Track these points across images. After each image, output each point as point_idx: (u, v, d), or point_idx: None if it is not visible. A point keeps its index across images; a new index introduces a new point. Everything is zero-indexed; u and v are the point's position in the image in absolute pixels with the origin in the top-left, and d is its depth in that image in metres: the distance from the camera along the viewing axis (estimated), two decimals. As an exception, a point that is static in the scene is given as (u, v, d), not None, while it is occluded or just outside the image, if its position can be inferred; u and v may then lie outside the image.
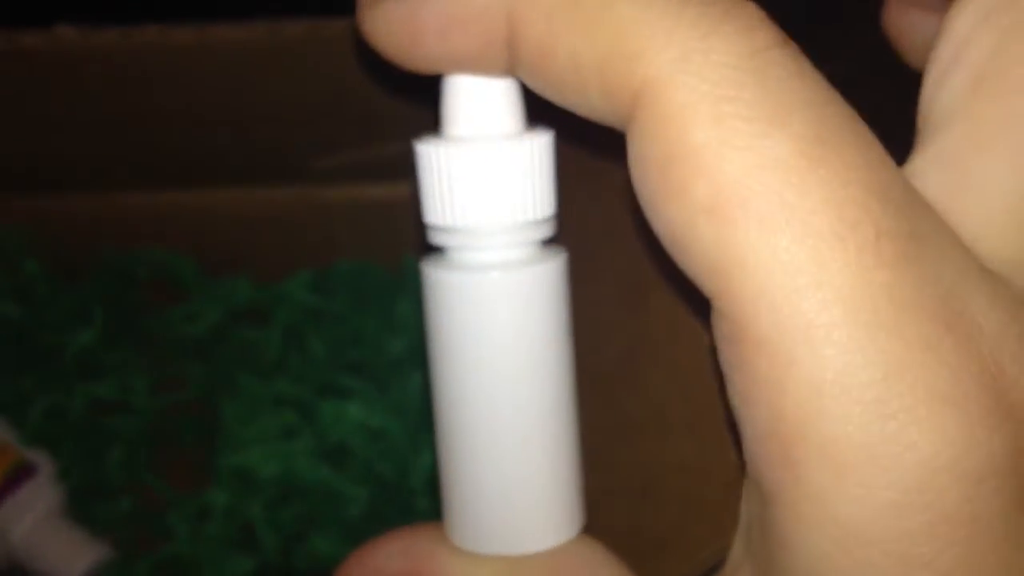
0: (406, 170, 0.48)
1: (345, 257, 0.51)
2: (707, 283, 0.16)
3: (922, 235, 0.16)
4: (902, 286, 0.15)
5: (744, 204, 0.15)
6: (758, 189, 0.15)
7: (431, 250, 0.20)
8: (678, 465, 0.32)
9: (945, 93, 0.18)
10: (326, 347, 0.49)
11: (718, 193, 0.16)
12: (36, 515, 0.45)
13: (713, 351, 0.18)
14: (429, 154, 0.19)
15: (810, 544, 0.16)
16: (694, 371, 0.31)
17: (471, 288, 0.19)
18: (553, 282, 0.20)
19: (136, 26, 0.38)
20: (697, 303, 0.17)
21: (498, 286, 0.19)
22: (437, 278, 0.19)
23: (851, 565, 0.15)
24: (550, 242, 0.20)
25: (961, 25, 0.18)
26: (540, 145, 0.19)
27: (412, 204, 0.21)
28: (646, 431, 0.35)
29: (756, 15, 0.16)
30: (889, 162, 0.16)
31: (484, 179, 0.19)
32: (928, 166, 0.18)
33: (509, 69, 0.18)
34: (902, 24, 0.24)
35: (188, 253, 0.50)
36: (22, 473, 0.46)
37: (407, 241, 0.49)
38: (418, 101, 0.42)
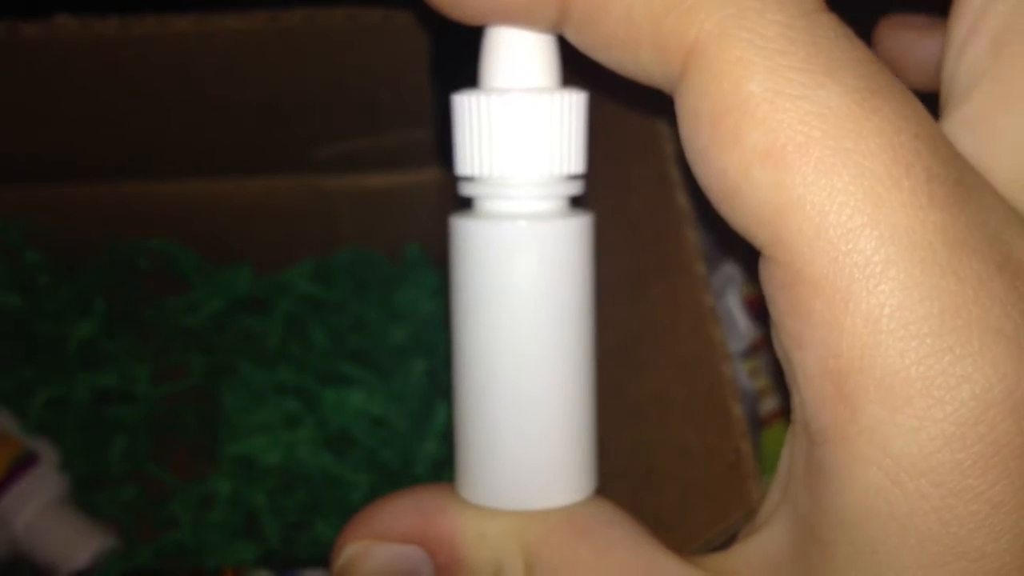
0: (407, 159, 0.48)
1: (347, 246, 0.51)
2: (761, 230, 0.17)
3: (968, 182, 0.17)
4: (955, 226, 0.16)
5: (801, 148, 0.16)
6: (814, 134, 0.16)
7: (461, 205, 0.21)
8: (679, 449, 0.32)
9: (966, 61, 0.18)
10: (328, 335, 0.49)
11: (774, 139, 0.16)
12: (39, 505, 0.45)
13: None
14: (465, 104, 0.19)
15: (863, 478, 0.16)
16: (695, 356, 0.31)
17: (498, 236, 0.19)
18: (579, 238, 0.20)
19: (136, 16, 0.38)
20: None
21: (526, 235, 0.19)
22: (465, 227, 0.20)
23: (903, 497, 0.16)
24: (578, 202, 0.21)
25: None
26: (576, 101, 0.20)
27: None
28: (647, 416, 0.35)
29: None
30: (930, 116, 0.17)
31: (518, 129, 0.19)
32: (956, 130, 0.18)
33: (555, 24, 0.19)
34: (897, 46, 0.24)
35: (189, 243, 0.50)
36: (25, 463, 0.46)
37: (409, 230, 0.49)
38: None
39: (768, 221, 0.17)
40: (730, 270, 0.40)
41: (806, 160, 0.16)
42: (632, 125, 0.35)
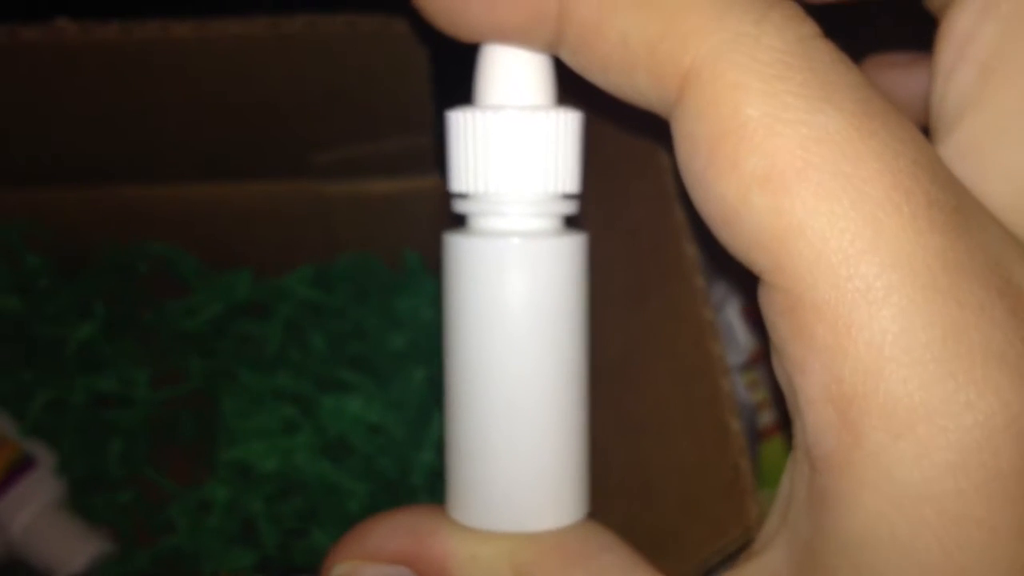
0: (407, 165, 0.48)
1: (346, 252, 0.51)
2: (761, 256, 0.17)
3: (966, 208, 0.17)
4: (955, 251, 0.16)
5: (800, 173, 0.16)
6: (813, 159, 0.16)
7: (455, 222, 0.21)
8: (677, 465, 0.32)
9: (954, 88, 0.18)
10: (326, 341, 0.49)
11: (773, 164, 0.16)
12: (36, 508, 0.45)
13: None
14: (460, 120, 0.19)
15: (866, 504, 0.16)
16: (693, 371, 0.31)
17: (491, 253, 0.19)
18: (573, 257, 0.20)
19: (136, 20, 0.38)
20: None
21: (518, 253, 0.19)
22: (458, 244, 0.20)
23: (905, 523, 0.16)
24: (572, 222, 0.21)
25: (962, 23, 0.18)
26: (571, 120, 0.20)
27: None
28: (645, 431, 0.35)
29: (799, 7, 0.17)
30: (927, 142, 0.17)
31: (512, 146, 0.19)
32: (949, 158, 0.18)
33: (551, 45, 0.19)
34: (883, 85, 0.24)
35: (189, 247, 0.50)
36: (22, 466, 0.46)
37: (408, 236, 0.49)
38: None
39: (768, 246, 0.17)
40: (730, 282, 0.40)
41: (805, 185, 0.16)
42: (630, 138, 0.35)
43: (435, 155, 0.46)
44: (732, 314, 0.39)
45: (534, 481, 0.20)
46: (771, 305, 0.17)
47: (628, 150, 0.35)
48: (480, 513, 0.20)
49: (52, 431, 0.47)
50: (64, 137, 0.44)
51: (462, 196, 0.20)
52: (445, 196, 0.48)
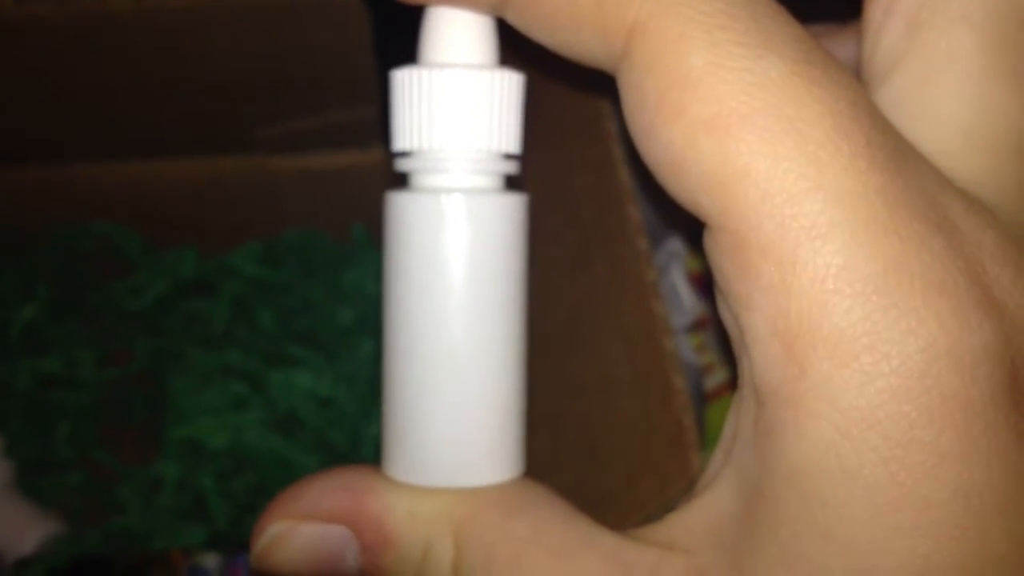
0: (352, 137, 0.48)
1: (293, 226, 0.51)
2: (707, 199, 0.17)
3: (903, 149, 0.17)
4: (894, 189, 0.16)
5: (744, 118, 0.16)
6: (756, 104, 0.16)
7: (398, 182, 0.21)
8: (623, 423, 0.33)
9: (884, 44, 0.19)
10: (274, 317, 0.49)
11: (718, 110, 0.17)
12: (-16, 490, 0.45)
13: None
14: (404, 78, 0.20)
15: (813, 433, 0.16)
16: (637, 331, 0.32)
17: (433, 209, 0.19)
18: (514, 216, 0.20)
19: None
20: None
21: (460, 208, 0.19)
22: (400, 200, 0.20)
23: (852, 450, 0.16)
24: (513, 183, 0.21)
25: None
26: (513, 80, 0.20)
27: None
28: (592, 392, 0.35)
29: None
30: (864, 89, 0.18)
31: (455, 103, 0.19)
32: (881, 108, 0.19)
33: (496, 7, 0.19)
34: None
35: (134, 225, 0.50)
36: (-32, 449, 0.46)
37: (355, 209, 0.49)
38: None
39: (714, 189, 0.17)
40: (674, 246, 0.40)
41: (750, 129, 0.16)
42: (575, 105, 0.35)
43: (380, 126, 0.46)
44: (677, 277, 0.40)
45: (472, 436, 0.20)
46: (717, 248, 0.18)
47: (572, 116, 0.36)
48: (417, 469, 0.20)
49: (-2, 414, 0.47)
50: (5, 116, 0.44)
51: (405, 154, 0.20)
52: (390, 168, 0.47)
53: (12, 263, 0.50)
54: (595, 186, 0.35)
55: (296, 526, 0.20)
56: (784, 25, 0.17)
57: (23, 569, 0.44)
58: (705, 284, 0.40)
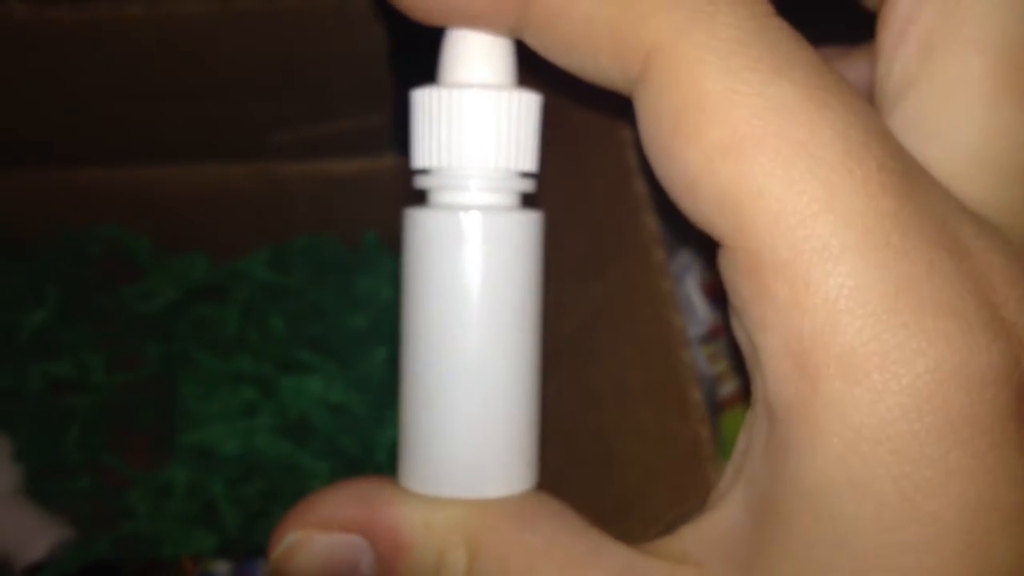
0: (364, 145, 0.48)
1: (303, 233, 0.51)
2: (722, 221, 0.18)
3: (913, 173, 0.18)
4: (905, 212, 0.17)
5: (759, 141, 0.17)
6: (770, 128, 0.17)
7: (416, 198, 0.21)
8: (638, 434, 0.33)
9: (897, 67, 0.19)
10: (286, 323, 0.49)
11: (733, 133, 0.17)
12: (-7, 496, 0.45)
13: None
14: (424, 98, 0.20)
15: (824, 449, 0.17)
16: (653, 342, 0.32)
17: (451, 225, 0.20)
18: (530, 233, 0.21)
19: (88, 1, 0.37)
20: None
21: (478, 225, 0.20)
22: (419, 217, 0.20)
23: (862, 466, 0.16)
24: (529, 200, 0.21)
25: (902, 7, 0.19)
26: (531, 100, 0.20)
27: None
28: (607, 402, 0.35)
29: None
30: (876, 112, 0.18)
31: (475, 122, 0.20)
32: (894, 131, 0.19)
33: (514, 29, 0.20)
34: None
35: (144, 230, 0.50)
36: (-22, 454, 0.46)
37: (366, 216, 0.49)
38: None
39: (729, 211, 0.17)
40: (689, 256, 0.41)
41: (764, 152, 0.17)
42: (590, 114, 0.35)
43: (393, 134, 0.46)
44: (691, 287, 0.40)
45: (486, 449, 0.21)
46: (732, 268, 0.18)
47: (588, 125, 0.36)
48: (433, 480, 0.21)
49: (7, 418, 0.47)
50: (15, 120, 0.44)
51: (424, 172, 0.21)
52: (402, 175, 0.47)
53: (22, 266, 0.50)
54: (611, 195, 0.35)
55: (312, 535, 0.21)
56: (797, 50, 0.18)
57: (33, 574, 0.44)
58: (718, 294, 0.41)
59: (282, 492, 0.45)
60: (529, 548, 0.20)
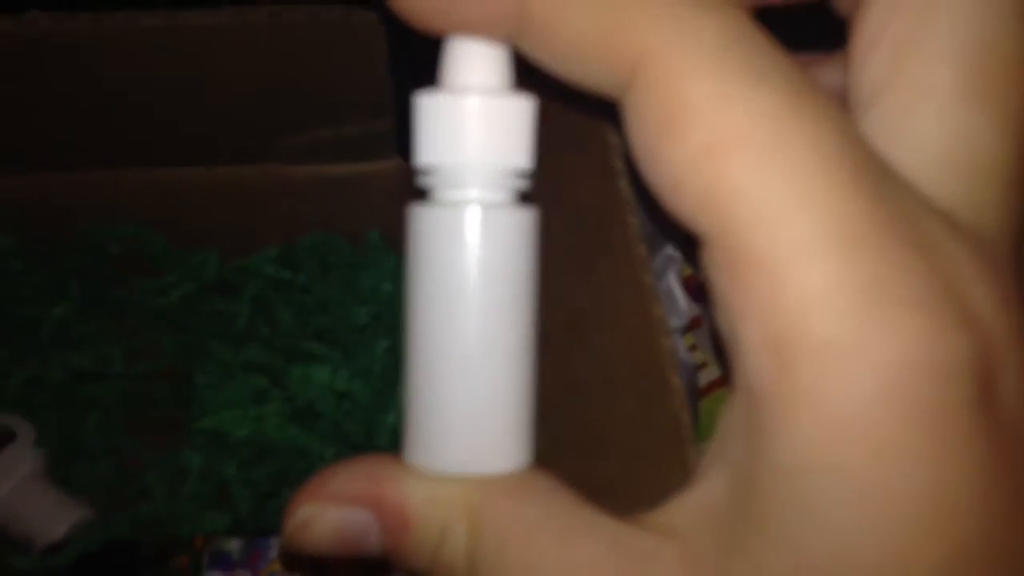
0: (367, 149, 0.49)
1: (309, 233, 0.52)
2: (704, 218, 0.18)
3: (885, 175, 0.18)
4: (877, 212, 0.17)
5: (740, 144, 0.18)
6: (752, 132, 0.18)
7: (419, 196, 0.22)
8: (623, 419, 0.34)
9: (869, 73, 0.20)
10: (293, 316, 0.50)
11: (716, 136, 0.18)
12: (17, 478, 0.46)
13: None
14: (427, 102, 0.21)
15: (799, 433, 0.17)
16: (637, 332, 0.33)
17: (453, 221, 0.21)
18: (527, 228, 0.22)
19: (107, 12, 0.38)
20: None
21: (478, 220, 0.21)
22: (422, 214, 0.21)
23: (835, 450, 0.17)
24: (526, 198, 0.22)
25: (874, 15, 0.20)
26: (527, 103, 0.21)
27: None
28: (593, 389, 0.36)
29: (733, 3, 0.19)
30: (848, 116, 0.19)
31: (474, 124, 0.21)
32: (865, 135, 0.20)
33: (510, 37, 0.20)
34: None
35: (158, 229, 0.51)
36: (2, 439, 0.47)
37: (369, 217, 0.50)
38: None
39: (711, 209, 0.18)
40: (670, 252, 0.42)
41: (745, 155, 0.18)
42: (577, 118, 0.36)
43: (395, 138, 0.47)
44: (673, 281, 0.42)
45: (485, 429, 0.22)
46: (713, 263, 0.19)
47: (575, 130, 0.37)
48: (436, 457, 0.22)
49: (32, 406, 0.48)
50: (35, 125, 0.45)
51: (426, 171, 0.22)
52: (403, 177, 0.48)
53: (44, 264, 0.51)
54: (597, 195, 0.36)
55: (323, 509, 0.22)
56: (777, 59, 0.18)
57: (55, 553, 0.45)
58: (697, 288, 0.42)
59: (291, 474, 0.46)
60: (527, 521, 0.20)
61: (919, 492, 0.17)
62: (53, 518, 0.46)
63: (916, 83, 0.19)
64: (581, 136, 0.37)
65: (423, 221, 0.21)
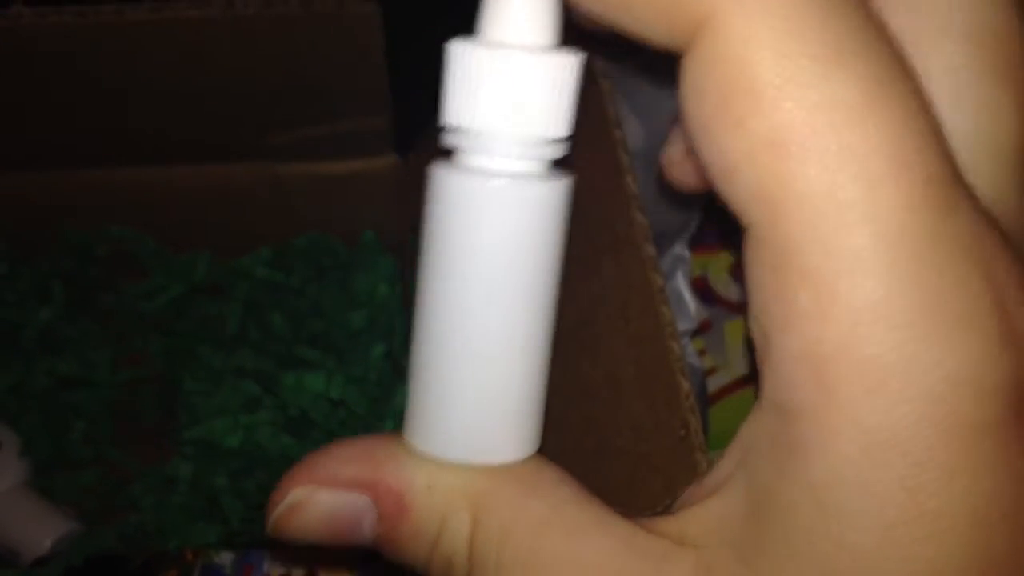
0: (363, 146, 0.48)
1: (303, 232, 0.51)
2: (756, 212, 0.17)
3: (959, 184, 0.17)
4: (943, 226, 0.17)
5: (805, 141, 0.16)
6: (819, 128, 0.16)
7: (442, 155, 0.20)
8: (630, 423, 0.33)
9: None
10: (286, 320, 0.49)
11: (779, 129, 0.16)
12: (1, 490, 0.45)
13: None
14: (459, 52, 0.19)
15: (834, 449, 0.17)
16: (645, 335, 0.32)
17: (477, 192, 0.19)
18: (556, 203, 0.20)
19: (92, 5, 0.38)
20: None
21: (503, 194, 0.19)
22: (444, 178, 0.19)
23: (871, 466, 0.17)
24: (559, 164, 0.20)
25: None
26: (572, 63, 0.19)
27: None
28: (600, 392, 0.35)
29: None
30: (934, 115, 0.17)
31: (510, 86, 0.19)
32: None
33: None
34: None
35: (147, 230, 0.51)
36: (-15, 449, 0.46)
37: (365, 216, 0.49)
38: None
39: (765, 205, 0.17)
40: (679, 252, 0.41)
41: (809, 155, 0.16)
42: (584, 113, 0.35)
43: (390, 135, 0.46)
44: (681, 283, 0.41)
45: (494, 416, 0.20)
46: (758, 259, 0.18)
47: (581, 124, 0.36)
48: (439, 442, 0.20)
49: (15, 414, 0.47)
50: (19, 122, 0.44)
51: (452, 130, 0.20)
52: (400, 176, 0.48)
53: (28, 266, 0.51)
54: (603, 192, 0.35)
55: (315, 493, 0.20)
56: (863, 34, 0.17)
57: (40, 567, 0.44)
58: (704, 289, 0.41)
59: (283, 485, 0.45)
60: (533, 515, 0.20)
61: (953, 506, 0.17)
62: (38, 530, 0.45)
63: (923, 60, 0.18)
64: (586, 130, 0.36)
65: (444, 186, 0.19)
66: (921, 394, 0.16)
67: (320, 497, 0.20)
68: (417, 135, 0.47)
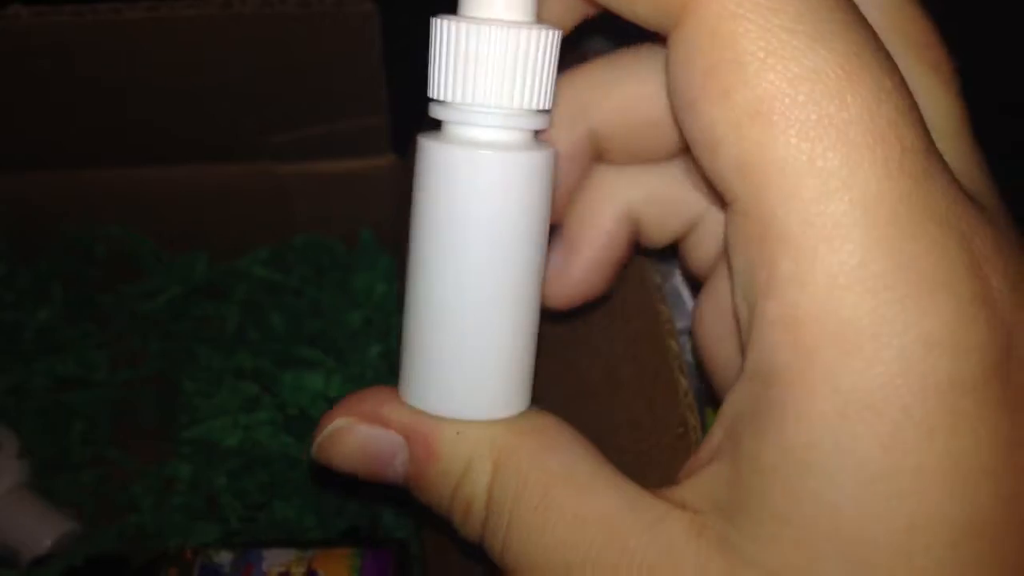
0: (361, 145, 0.48)
1: (301, 232, 0.51)
2: (738, 184, 0.18)
3: (933, 152, 0.18)
4: (919, 193, 0.17)
5: (786, 111, 0.17)
6: (800, 98, 0.17)
7: (430, 126, 0.21)
8: (629, 422, 0.33)
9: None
10: (285, 320, 0.49)
11: (762, 99, 0.17)
12: (1, 491, 0.45)
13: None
14: (443, 27, 0.20)
15: (812, 411, 0.17)
16: (643, 333, 0.32)
17: (462, 162, 0.20)
18: (540, 172, 0.21)
19: (89, 4, 0.38)
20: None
21: (488, 163, 0.20)
22: (432, 149, 0.20)
23: (847, 426, 0.17)
24: (541, 135, 0.21)
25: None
26: (551, 37, 0.20)
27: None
28: (599, 391, 0.35)
29: None
30: (908, 88, 0.18)
31: (492, 59, 0.20)
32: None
33: None
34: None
35: (145, 230, 0.51)
36: (-16, 449, 0.46)
37: (363, 215, 0.49)
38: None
39: (747, 176, 0.18)
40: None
41: (790, 123, 0.17)
42: None
43: (388, 134, 0.46)
44: (680, 282, 0.41)
45: (486, 378, 0.21)
46: (740, 232, 0.18)
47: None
48: (432, 401, 0.22)
49: (14, 415, 0.47)
50: (18, 122, 0.44)
51: (440, 102, 0.21)
52: (398, 175, 0.48)
53: (27, 266, 0.50)
54: None
55: (356, 424, 0.22)
56: (841, 13, 0.18)
57: (40, 567, 0.44)
58: (698, 284, 0.41)
59: (282, 485, 0.45)
60: (548, 469, 0.21)
61: (932, 461, 0.17)
62: (38, 531, 0.45)
63: None
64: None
65: (432, 158, 0.20)
66: (896, 355, 0.17)
67: (360, 429, 0.22)
68: (416, 134, 0.47)
